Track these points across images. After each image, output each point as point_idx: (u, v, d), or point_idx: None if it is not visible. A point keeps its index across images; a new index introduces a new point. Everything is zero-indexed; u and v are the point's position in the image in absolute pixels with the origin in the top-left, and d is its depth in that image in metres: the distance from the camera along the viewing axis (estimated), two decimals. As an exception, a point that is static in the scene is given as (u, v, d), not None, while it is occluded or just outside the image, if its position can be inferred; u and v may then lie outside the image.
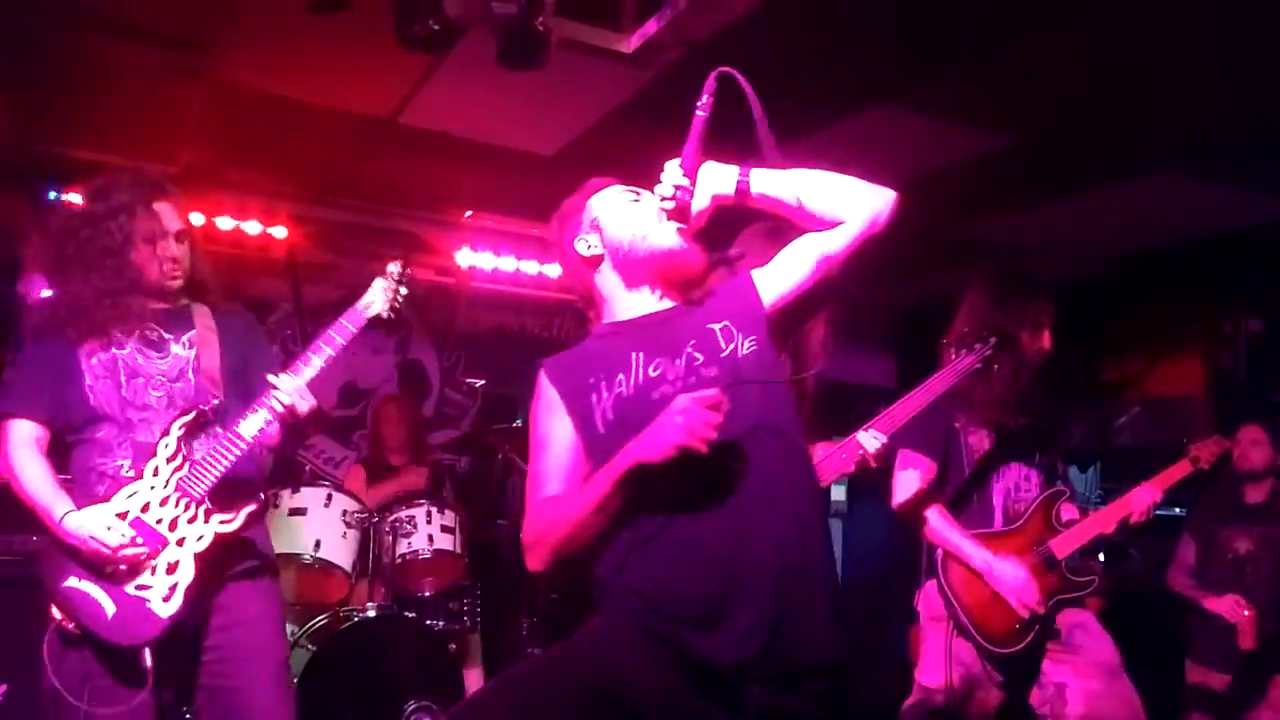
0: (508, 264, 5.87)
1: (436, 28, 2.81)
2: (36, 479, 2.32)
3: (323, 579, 4.18)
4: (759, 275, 1.94)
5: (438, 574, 4.25)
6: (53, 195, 4.92)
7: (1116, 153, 4.14)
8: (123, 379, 2.39)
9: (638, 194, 1.97)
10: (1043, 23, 3.19)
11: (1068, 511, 2.96)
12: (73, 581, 2.26)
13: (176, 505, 2.30)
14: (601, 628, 1.74)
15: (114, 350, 2.40)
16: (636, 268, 1.92)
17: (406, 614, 4.04)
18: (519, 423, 5.44)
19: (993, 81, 3.59)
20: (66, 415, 2.39)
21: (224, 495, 2.33)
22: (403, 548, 4.16)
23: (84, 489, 2.35)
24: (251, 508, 2.35)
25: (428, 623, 4.09)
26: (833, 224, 1.84)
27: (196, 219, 5.10)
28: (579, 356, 1.92)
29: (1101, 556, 3.83)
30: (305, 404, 2.35)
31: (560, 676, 1.69)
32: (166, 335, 2.46)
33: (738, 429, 1.72)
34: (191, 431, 2.35)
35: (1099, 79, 3.54)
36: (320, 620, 4.04)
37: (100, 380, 2.38)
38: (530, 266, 5.92)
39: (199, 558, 2.29)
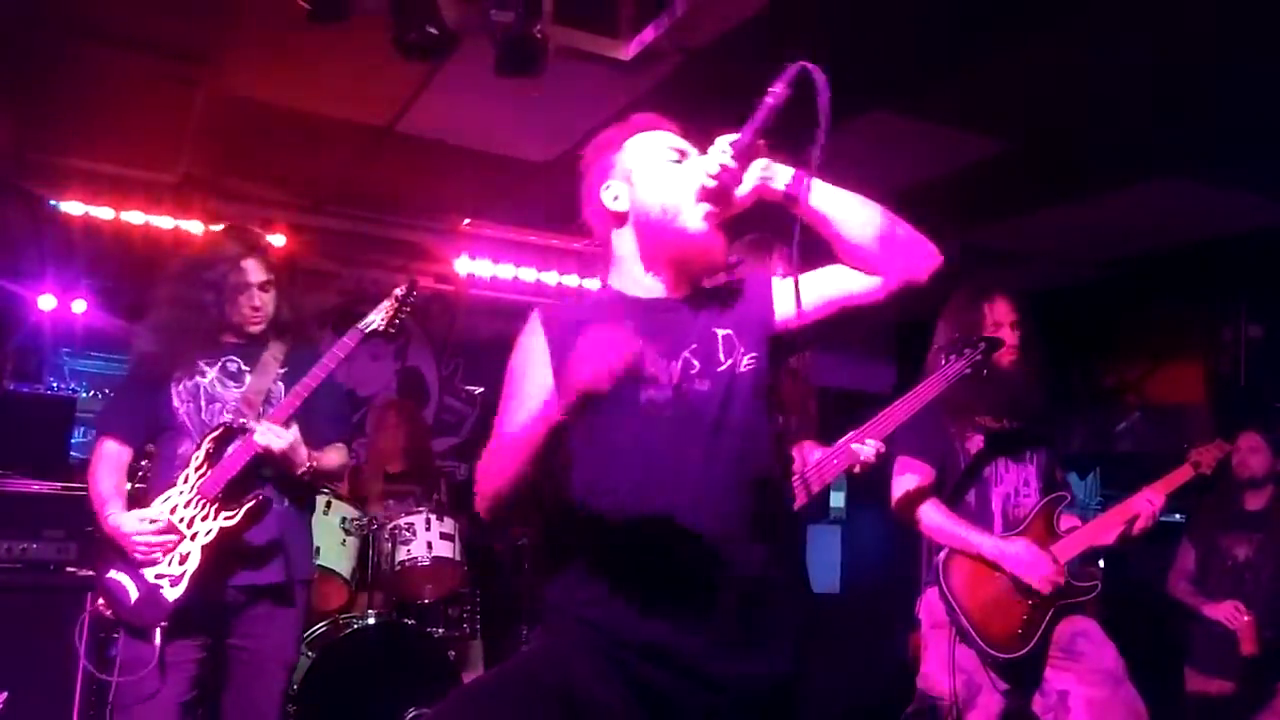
0: (506, 271, 5.88)
1: (434, 35, 2.82)
2: (105, 486, 2.75)
3: (322, 586, 4.17)
4: (779, 287, 1.86)
5: (437, 581, 4.24)
6: (52, 203, 4.94)
7: (1115, 157, 4.15)
8: (202, 403, 2.79)
9: (682, 152, 1.84)
10: (1040, 26, 3.20)
11: (1067, 519, 2.95)
12: (112, 573, 2.65)
13: (196, 506, 2.67)
14: (556, 643, 1.71)
15: (198, 378, 2.80)
16: (658, 244, 1.81)
17: (406, 621, 4.03)
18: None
19: (990, 86, 3.60)
20: (153, 432, 2.83)
21: (232, 495, 2.66)
22: (402, 555, 4.15)
23: (157, 493, 2.72)
24: (250, 504, 2.64)
25: (427, 630, 4.08)
26: (869, 269, 1.75)
27: (194, 227, 5.14)
28: (577, 320, 1.76)
29: (1101, 563, 3.81)
30: (279, 443, 2.62)
31: (517, 686, 1.65)
32: (245, 367, 2.84)
33: (711, 446, 1.69)
34: (220, 445, 2.70)
35: (1096, 83, 3.55)
36: (320, 628, 4.03)
37: (185, 404, 2.78)
38: (529, 274, 5.93)
39: (205, 549, 2.63)
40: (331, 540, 4.09)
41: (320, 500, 4.18)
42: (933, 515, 2.93)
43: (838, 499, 6.76)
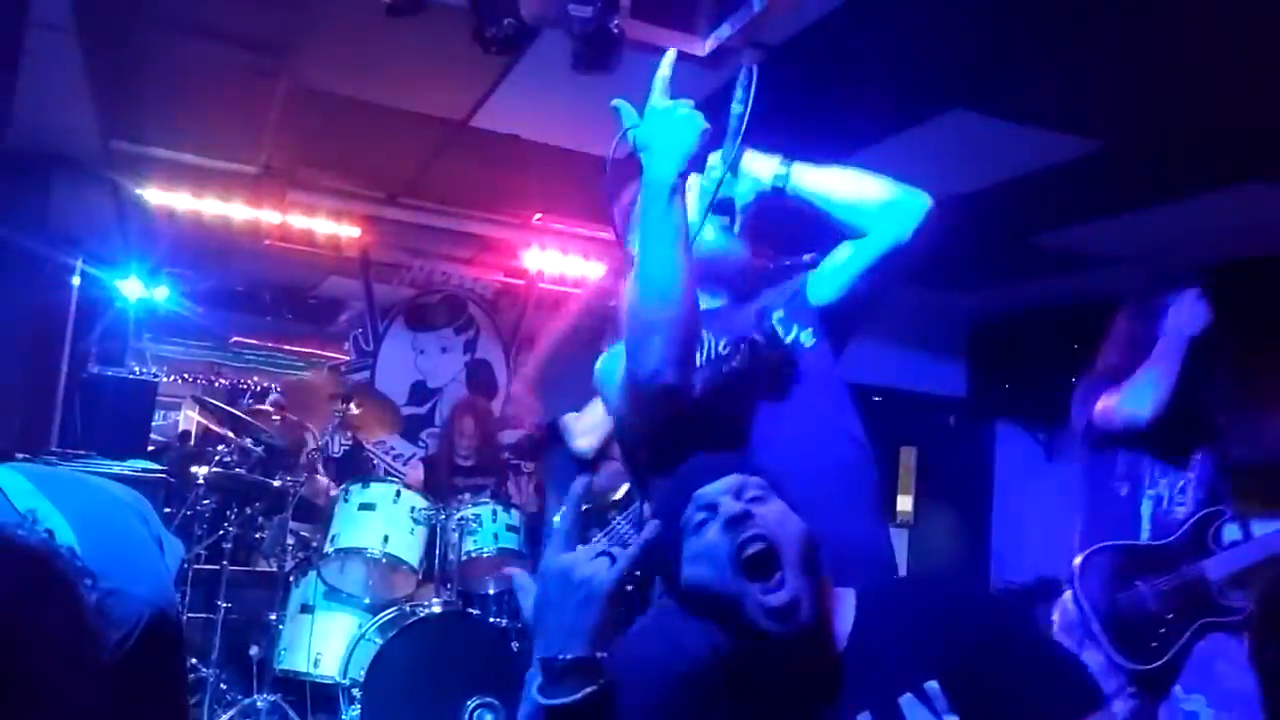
0: (575, 266, 5.89)
1: (513, 29, 2.82)
2: None
3: (390, 574, 4.23)
4: (811, 278, 1.92)
5: (496, 571, 4.27)
6: (137, 193, 5.07)
7: (1208, 159, 4.01)
8: None
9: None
10: (1130, 21, 3.10)
11: (1229, 532, 2.82)
12: None
13: None
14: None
15: None
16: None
17: (471, 611, 4.07)
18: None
19: (1078, 83, 3.50)
20: None
21: None
22: (468, 545, 4.19)
23: None
24: None
25: (491, 620, 4.11)
26: (859, 233, 1.81)
27: (272, 218, 5.23)
28: None
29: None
30: None
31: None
32: None
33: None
34: None
35: (1190, 80, 3.43)
36: (388, 614, 4.09)
37: None
38: (598, 268, 5.93)
39: None
40: (400, 529, 4.14)
41: (389, 489, 4.24)
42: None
43: (904, 503, 6.66)
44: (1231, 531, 2.83)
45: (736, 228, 1.87)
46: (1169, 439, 2.86)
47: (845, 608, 1.33)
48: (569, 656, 1.16)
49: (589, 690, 1.14)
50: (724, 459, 1.38)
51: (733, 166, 1.82)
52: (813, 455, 1.71)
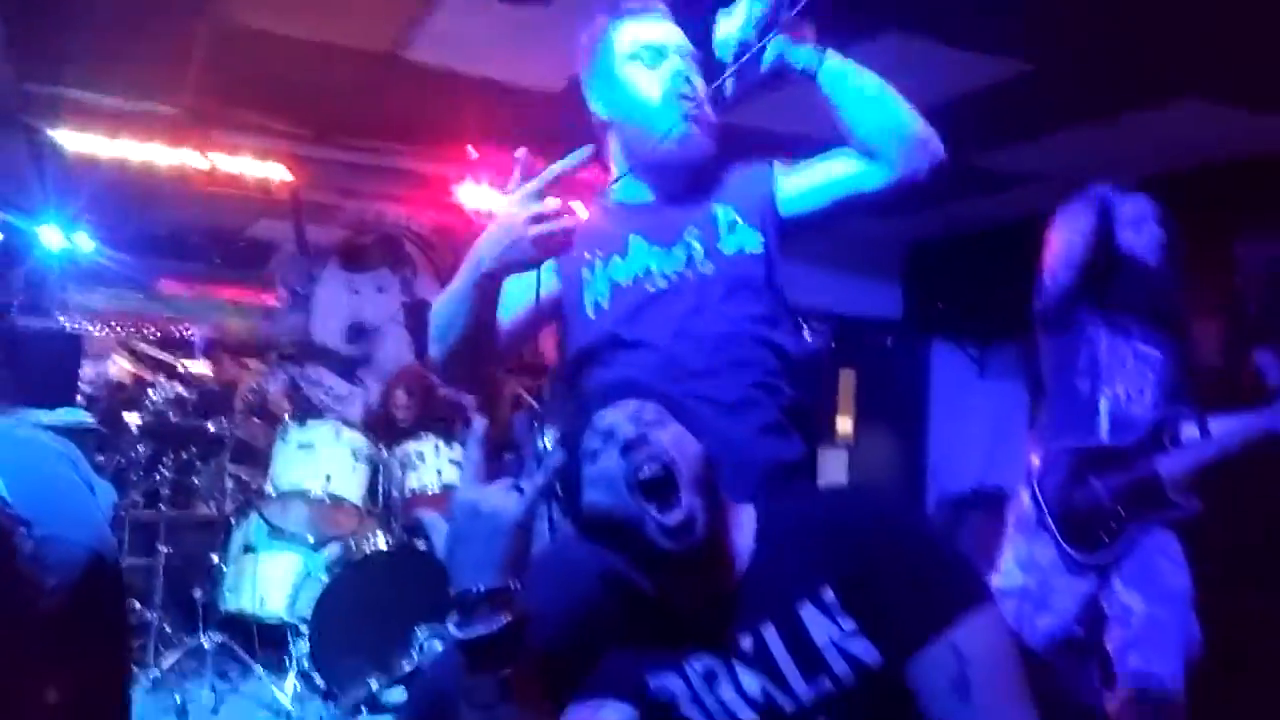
0: (512, 201, 5.79)
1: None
2: None
3: (333, 512, 4.22)
4: (781, 172, 1.84)
5: (445, 508, 4.28)
6: (53, 136, 4.89)
7: (1135, 77, 4.06)
8: None
9: (662, 46, 1.78)
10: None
11: (1187, 431, 2.86)
12: None
13: None
14: None
15: None
16: (638, 154, 1.78)
17: (417, 545, 4.09)
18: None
19: (1009, 3, 3.51)
20: None
21: None
22: (412, 482, 4.19)
23: None
24: None
25: (439, 554, 4.14)
26: (875, 156, 1.72)
27: (196, 161, 5.09)
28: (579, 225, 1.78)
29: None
30: None
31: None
32: None
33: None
34: None
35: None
36: (333, 552, 4.09)
37: None
38: (534, 203, 5.85)
39: None
40: (342, 467, 4.12)
41: (329, 428, 4.22)
42: None
43: (844, 423, 6.78)
44: (1190, 430, 2.87)
45: (728, 91, 1.73)
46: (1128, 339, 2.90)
47: (745, 525, 1.36)
48: (481, 589, 1.17)
49: (505, 621, 1.16)
50: (626, 383, 1.40)
51: (765, 32, 1.67)
52: (726, 371, 1.69)
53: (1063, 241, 2.90)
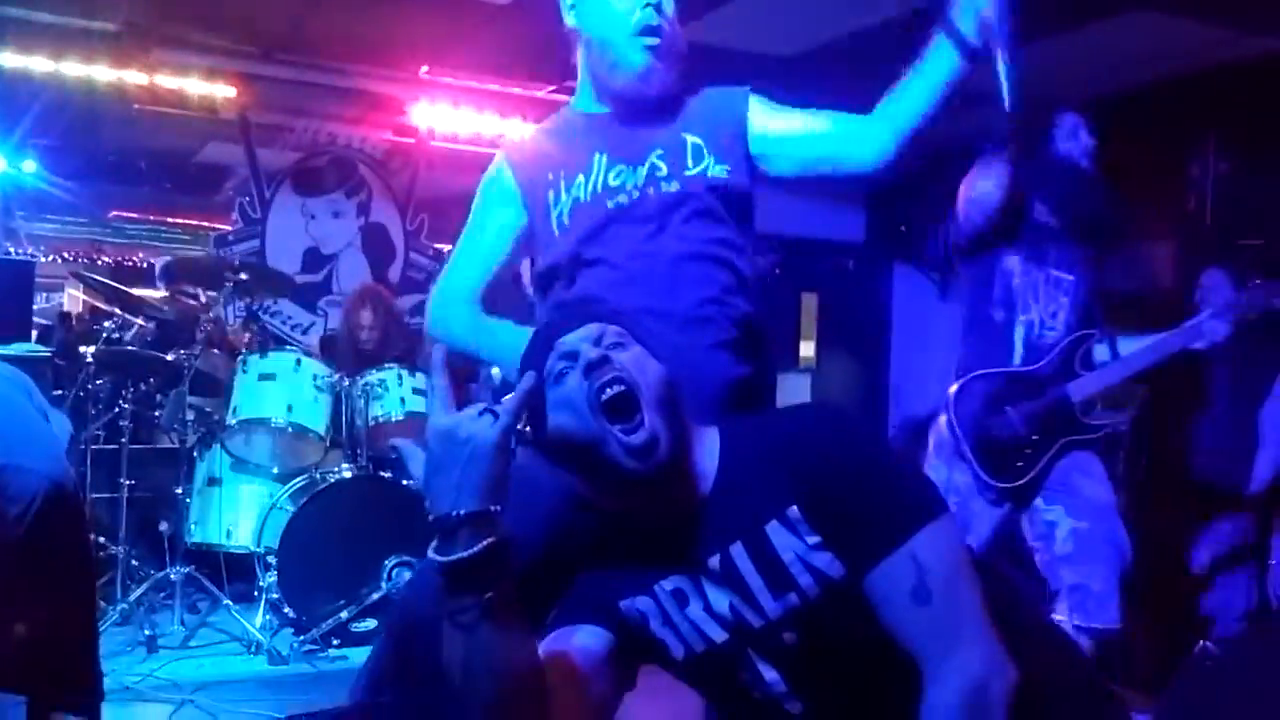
0: (468, 121, 5.70)
1: None
2: None
3: (297, 442, 4.20)
4: (758, 107, 1.84)
5: (411, 435, 4.26)
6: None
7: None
8: None
9: None
10: None
11: (1098, 353, 2.89)
12: None
13: None
14: None
15: None
16: (598, 75, 1.81)
17: (383, 474, 4.09)
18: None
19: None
20: None
21: None
22: (375, 410, 4.17)
23: None
24: None
25: (404, 482, 4.14)
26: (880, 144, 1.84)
27: (138, 79, 4.93)
28: (542, 147, 1.84)
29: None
30: None
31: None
32: None
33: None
34: None
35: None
36: (298, 482, 4.08)
37: None
38: (491, 123, 5.74)
39: None
40: (304, 397, 4.09)
41: (289, 358, 4.17)
42: None
43: (807, 347, 6.82)
44: (1101, 352, 2.91)
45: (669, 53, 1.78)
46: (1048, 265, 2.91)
47: (709, 446, 1.37)
48: (462, 512, 1.17)
49: (486, 543, 1.16)
50: (588, 307, 1.40)
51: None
52: (682, 288, 1.71)
53: (978, 188, 2.91)
